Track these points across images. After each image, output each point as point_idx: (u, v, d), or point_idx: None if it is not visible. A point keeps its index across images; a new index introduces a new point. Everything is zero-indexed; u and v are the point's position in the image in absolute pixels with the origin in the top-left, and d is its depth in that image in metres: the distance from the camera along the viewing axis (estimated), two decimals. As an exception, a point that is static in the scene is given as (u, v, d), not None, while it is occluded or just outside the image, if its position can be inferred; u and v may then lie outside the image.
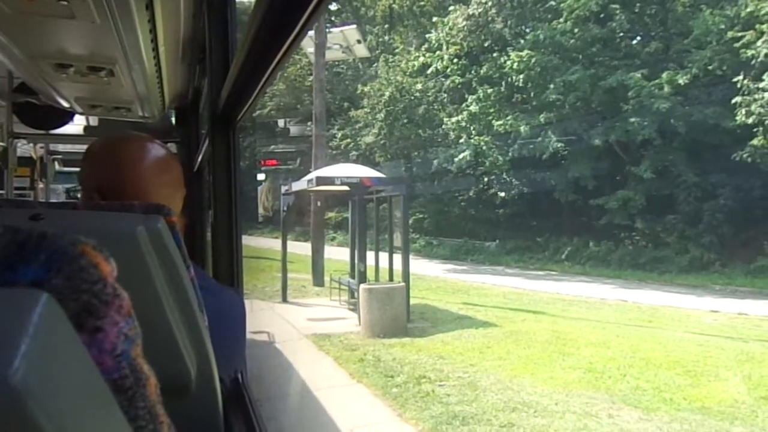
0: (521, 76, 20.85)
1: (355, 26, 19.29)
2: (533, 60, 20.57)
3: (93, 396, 0.33)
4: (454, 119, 22.35)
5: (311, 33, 15.42)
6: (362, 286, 11.29)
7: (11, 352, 0.27)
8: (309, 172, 15.75)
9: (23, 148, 6.03)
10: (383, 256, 13.11)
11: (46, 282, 0.37)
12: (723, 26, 17.91)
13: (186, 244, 0.92)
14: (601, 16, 20.85)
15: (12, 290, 0.35)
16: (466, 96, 22.36)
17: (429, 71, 23.58)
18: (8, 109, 4.01)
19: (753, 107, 16.62)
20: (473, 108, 21.72)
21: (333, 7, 28.26)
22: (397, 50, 26.28)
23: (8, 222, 0.39)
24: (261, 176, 31.89)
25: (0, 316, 0.29)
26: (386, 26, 28.85)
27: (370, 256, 12.64)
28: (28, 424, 0.27)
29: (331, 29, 18.58)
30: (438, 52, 23.25)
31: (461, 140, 22.13)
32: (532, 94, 21.40)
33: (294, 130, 30.26)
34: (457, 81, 22.91)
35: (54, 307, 0.30)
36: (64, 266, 0.38)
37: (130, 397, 0.42)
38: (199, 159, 3.18)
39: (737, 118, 16.86)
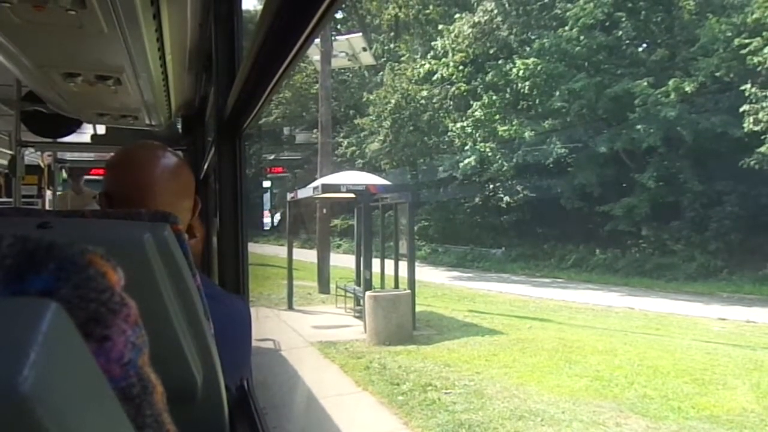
0: (527, 83, 20.89)
1: (360, 34, 19.31)
2: (539, 67, 20.60)
3: (101, 404, 0.33)
4: (459, 125, 22.37)
5: (317, 41, 15.47)
6: (368, 293, 11.27)
7: (21, 361, 0.27)
8: (314, 179, 15.78)
9: (31, 156, 6.07)
10: (389, 264, 13.09)
11: (56, 291, 0.37)
12: (729, 33, 17.88)
13: (202, 252, 0.92)
14: (607, 24, 20.86)
15: (22, 299, 0.35)
16: (472, 103, 22.39)
17: (434, 78, 23.63)
18: (16, 117, 4.04)
19: (761, 115, 16.58)
20: (478, 114, 21.76)
21: (339, 15, 28.42)
22: (402, 58, 26.35)
23: (16, 230, 0.39)
24: (267, 183, 32.08)
25: (10, 325, 0.29)
26: (392, 34, 28.95)
27: (375, 263, 12.63)
28: (37, 432, 0.27)
29: (337, 37, 18.62)
30: (443, 60, 23.31)
31: (466, 147, 22.15)
32: (537, 101, 21.43)
33: (300, 137, 30.37)
34: (462, 88, 22.94)
35: (63, 317, 0.31)
36: (73, 275, 0.38)
37: (137, 405, 0.42)
38: (205, 166, 3.19)
39: (744, 125, 16.83)
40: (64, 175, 7.59)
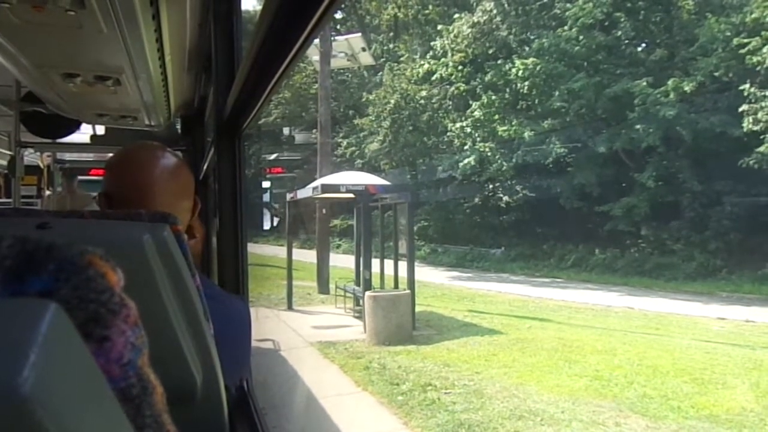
0: (526, 83, 20.89)
1: (360, 34, 19.27)
2: (538, 67, 20.60)
3: (100, 405, 0.33)
4: (458, 125, 22.37)
5: (316, 41, 15.46)
6: (367, 293, 11.27)
7: (20, 362, 0.27)
8: (314, 179, 15.78)
9: (30, 156, 6.07)
10: (388, 264, 13.09)
11: (55, 292, 0.37)
12: (728, 33, 17.88)
13: (202, 253, 0.92)
14: (606, 23, 20.86)
15: (21, 300, 0.35)
16: (471, 103, 22.39)
17: (433, 78, 23.63)
18: (15, 118, 4.05)
19: (760, 114, 16.59)
20: (477, 114, 21.76)
21: (338, 15, 28.39)
22: (402, 58, 26.35)
23: (16, 231, 0.39)
24: (266, 183, 32.06)
25: (9, 326, 0.29)
26: (391, 34, 28.93)
27: (375, 263, 12.63)
28: (37, 433, 0.27)
29: (336, 37, 18.60)
30: (443, 60, 23.30)
31: (466, 147, 22.16)
32: (536, 101, 21.43)
33: (299, 138, 30.34)
34: (461, 88, 22.93)
35: (62, 318, 0.31)
36: (72, 276, 0.38)
37: (136, 406, 0.42)
38: (205, 167, 3.19)
39: (744, 125, 16.83)
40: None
